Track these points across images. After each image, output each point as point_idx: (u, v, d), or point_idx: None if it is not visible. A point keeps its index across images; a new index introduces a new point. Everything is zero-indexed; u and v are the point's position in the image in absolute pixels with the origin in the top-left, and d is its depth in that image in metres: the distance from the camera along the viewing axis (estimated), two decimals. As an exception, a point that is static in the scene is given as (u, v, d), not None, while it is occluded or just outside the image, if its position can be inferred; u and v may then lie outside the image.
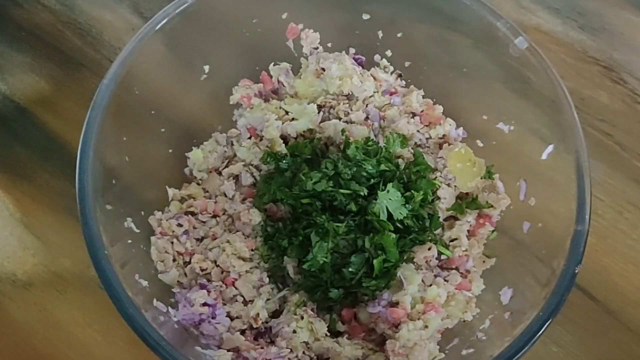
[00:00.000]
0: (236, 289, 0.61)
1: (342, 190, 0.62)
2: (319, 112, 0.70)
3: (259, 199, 0.66)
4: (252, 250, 0.63)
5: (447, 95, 0.71)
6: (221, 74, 0.70)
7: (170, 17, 0.63)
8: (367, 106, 0.72)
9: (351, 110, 0.71)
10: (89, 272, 0.67)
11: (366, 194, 0.62)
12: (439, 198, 0.66)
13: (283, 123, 0.69)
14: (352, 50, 0.73)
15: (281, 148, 0.68)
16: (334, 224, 0.61)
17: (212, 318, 0.59)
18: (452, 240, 0.65)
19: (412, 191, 0.64)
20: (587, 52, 0.81)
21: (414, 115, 0.71)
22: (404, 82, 0.74)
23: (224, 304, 0.60)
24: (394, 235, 0.61)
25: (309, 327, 0.58)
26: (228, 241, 0.63)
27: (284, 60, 0.73)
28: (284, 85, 0.73)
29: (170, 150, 0.68)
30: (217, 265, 0.63)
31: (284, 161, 0.67)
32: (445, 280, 0.63)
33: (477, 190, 0.67)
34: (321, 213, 0.62)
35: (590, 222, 0.55)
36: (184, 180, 0.69)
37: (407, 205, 0.63)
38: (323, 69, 0.71)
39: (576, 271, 0.53)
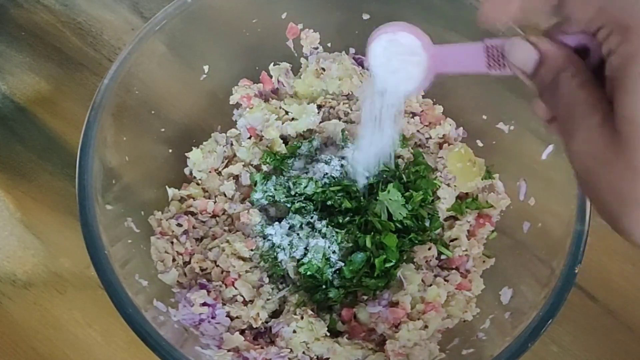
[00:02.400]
0: (236, 289, 0.61)
1: (332, 188, 0.63)
2: (318, 112, 0.70)
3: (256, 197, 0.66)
4: (251, 250, 0.63)
5: (447, 95, 0.71)
6: (221, 74, 0.70)
7: (170, 17, 0.62)
8: (367, 106, 0.72)
9: (351, 110, 0.71)
10: (89, 272, 0.67)
11: (359, 189, 0.63)
12: (439, 198, 0.66)
13: (283, 123, 0.69)
14: (352, 50, 0.73)
15: (281, 148, 0.68)
16: (333, 229, 0.61)
17: (212, 318, 0.59)
18: (452, 240, 0.65)
19: (412, 191, 0.64)
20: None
21: (414, 115, 0.71)
22: (403, 82, 0.73)
23: (224, 304, 0.60)
24: (392, 234, 0.62)
25: (308, 327, 0.58)
26: (228, 241, 0.63)
27: (284, 60, 0.73)
28: (284, 85, 0.73)
29: (170, 150, 0.68)
30: (217, 265, 0.63)
31: (283, 161, 0.67)
32: (445, 280, 0.63)
33: (477, 190, 0.67)
34: (319, 216, 0.62)
35: (590, 222, 0.55)
36: (183, 180, 0.69)
37: (407, 205, 0.63)
38: (323, 69, 0.71)
39: (576, 271, 0.53)
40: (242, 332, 0.60)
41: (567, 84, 0.35)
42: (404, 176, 0.66)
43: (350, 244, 0.62)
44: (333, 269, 0.61)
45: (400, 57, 0.42)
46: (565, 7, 0.34)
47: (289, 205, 0.64)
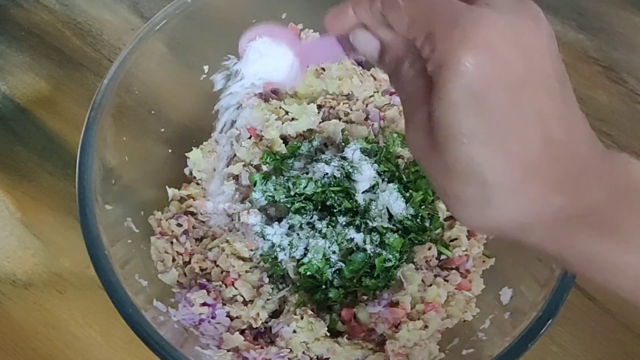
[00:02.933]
0: (236, 289, 0.61)
1: (332, 188, 0.63)
2: (318, 112, 0.70)
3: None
4: (251, 250, 0.63)
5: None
6: (221, 74, 0.70)
7: (170, 17, 0.63)
8: (367, 106, 0.72)
9: (351, 110, 0.71)
10: (89, 272, 0.67)
11: (357, 191, 0.63)
12: (439, 198, 0.66)
13: (283, 123, 0.69)
14: (352, 50, 0.73)
15: (281, 148, 0.68)
16: (333, 229, 0.61)
17: (212, 318, 0.59)
18: (452, 240, 0.65)
19: (412, 191, 0.64)
20: (586, 51, 0.81)
21: (413, 115, 0.71)
22: (404, 82, 0.73)
23: (224, 304, 0.60)
24: (397, 236, 0.62)
25: (308, 327, 0.58)
26: (228, 241, 0.63)
27: (284, 60, 0.73)
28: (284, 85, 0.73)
29: (170, 150, 0.68)
30: (217, 265, 0.63)
31: (283, 161, 0.67)
32: (445, 280, 0.63)
33: (477, 190, 0.67)
34: (319, 216, 0.63)
35: (590, 222, 0.55)
36: (183, 180, 0.69)
37: (407, 205, 0.63)
38: (323, 69, 0.71)
39: (576, 271, 0.53)
40: (242, 332, 0.60)
41: (405, 72, 0.35)
42: (404, 176, 0.66)
43: (351, 244, 0.62)
44: (333, 269, 0.61)
45: (269, 51, 0.45)
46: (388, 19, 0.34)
47: (288, 205, 0.64)
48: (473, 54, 0.29)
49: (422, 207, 0.64)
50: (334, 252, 0.61)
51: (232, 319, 0.60)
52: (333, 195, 0.63)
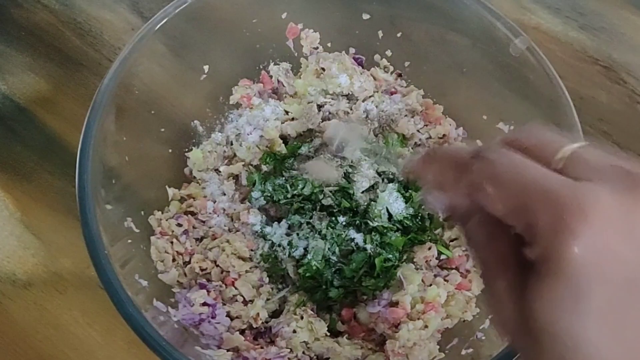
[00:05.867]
0: (236, 288, 0.61)
1: (328, 188, 0.63)
2: (318, 112, 0.70)
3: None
4: (252, 250, 0.63)
5: (447, 95, 0.71)
6: (221, 73, 0.70)
7: (170, 17, 0.62)
8: (367, 106, 0.72)
9: (351, 110, 0.71)
10: (89, 272, 0.67)
11: (354, 192, 0.63)
12: (439, 199, 0.66)
13: (283, 123, 0.69)
14: (352, 50, 0.73)
15: (281, 148, 0.68)
16: (332, 230, 0.61)
17: (212, 318, 0.59)
18: (452, 240, 0.65)
19: (412, 191, 0.64)
20: (586, 51, 0.81)
21: (414, 114, 0.71)
22: (404, 82, 0.74)
23: (224, 304, 0.60)
24: (398, 235, 0.62)
25: (308, 327, 0.58)
26: (228, 241, 0.63)
27: (284, 60, 0.73)
28: (284, 85, 0.73)
29: (170, 150, 0.68)
30: (217, 265, 0.63)
31: (283, 161, 0.67)
32: (445, 280, 0.63)
33: (477, 190, 0.67)
34: (319, 216, 0.62)
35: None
36: (183, 180, 0.69)
37: (407, 205, 0.63)
38: (323, 69, 0.71)
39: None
40: (242, 332, 0.60)
41: (477, 232, 0.32)
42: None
43: (351, 244, 0.62)
44: (333, 269, 0.61)
45: None
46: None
47: (288, 206, 0.64)
48: (580, 248, 0.25)
49: (422, 207, 0.64)
50: (333, 253, 0.61)
51: (232, 318, 0.60)
52: (330, 194, 0.63)
